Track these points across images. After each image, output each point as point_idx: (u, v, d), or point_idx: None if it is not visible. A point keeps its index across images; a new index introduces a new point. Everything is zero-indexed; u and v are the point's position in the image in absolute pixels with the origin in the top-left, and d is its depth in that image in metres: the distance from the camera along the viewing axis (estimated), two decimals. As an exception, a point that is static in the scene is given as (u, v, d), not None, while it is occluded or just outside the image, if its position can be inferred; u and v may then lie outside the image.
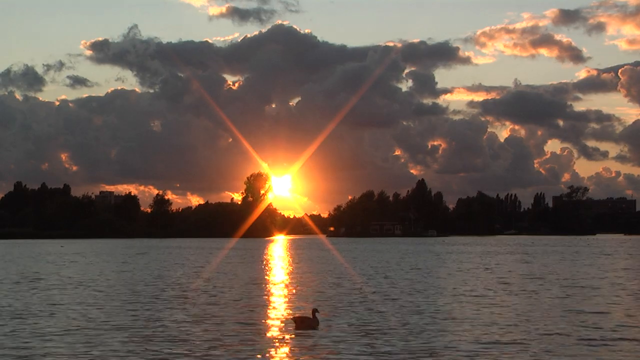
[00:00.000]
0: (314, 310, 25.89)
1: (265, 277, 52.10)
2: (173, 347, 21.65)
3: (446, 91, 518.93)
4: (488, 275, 52.12)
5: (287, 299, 35.64)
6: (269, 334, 24.44)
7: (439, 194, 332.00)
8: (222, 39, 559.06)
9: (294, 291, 39.92)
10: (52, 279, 48.93)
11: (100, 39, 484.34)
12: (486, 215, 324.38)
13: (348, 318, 27.83)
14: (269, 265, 69.42)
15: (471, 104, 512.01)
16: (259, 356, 20.62)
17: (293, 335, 23.88)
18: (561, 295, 37.09)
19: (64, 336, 23.61)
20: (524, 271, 57.24)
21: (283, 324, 26.47)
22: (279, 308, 31.84)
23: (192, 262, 75.02)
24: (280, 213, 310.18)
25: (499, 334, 23.92)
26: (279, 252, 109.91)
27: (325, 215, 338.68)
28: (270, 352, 21.13)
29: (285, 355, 20.84)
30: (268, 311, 30.70)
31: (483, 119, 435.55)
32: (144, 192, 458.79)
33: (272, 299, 35.95)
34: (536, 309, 30.88)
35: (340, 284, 44.33)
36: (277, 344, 22.45)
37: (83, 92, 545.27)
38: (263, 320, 27.84)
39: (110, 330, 24.99)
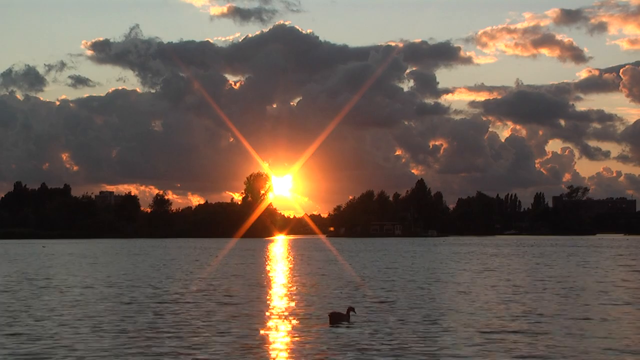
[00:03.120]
0: (350, 308, 26.75)
1: (273, 277, 51.88)
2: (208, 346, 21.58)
3: (447, 91, 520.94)
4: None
5: (303, 299, 35.37)
6: (306, 329, 24.98)
7: (438, 194, 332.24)
8: (223, 39, 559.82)
9: (306, 291, 39.62)
10: None
11: (101, 39, 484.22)
12: (486, 216, 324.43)
13: (372, 316, 28.00)
14: (273, 265, 69.15)
15: (473, 104, 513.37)
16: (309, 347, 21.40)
17: (328, 330, 24.80)
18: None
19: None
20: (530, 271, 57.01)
21: (319, 320, 27.09)
22: (299, 306, 31.78)
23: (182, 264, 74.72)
24: (281, 213, 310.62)
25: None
26: (279, 252, 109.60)
27: (325, 215, 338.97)
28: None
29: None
30: (291, 308, 30.64)
31: (484, 118, 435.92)
32: (145, 192, 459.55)
33: (286, 297, 35.76)
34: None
35: (351, 283, 44.12)
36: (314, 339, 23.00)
37: (84, 92, 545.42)
38: (294, 316, 28.32)
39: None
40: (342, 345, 22.00)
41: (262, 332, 24.78)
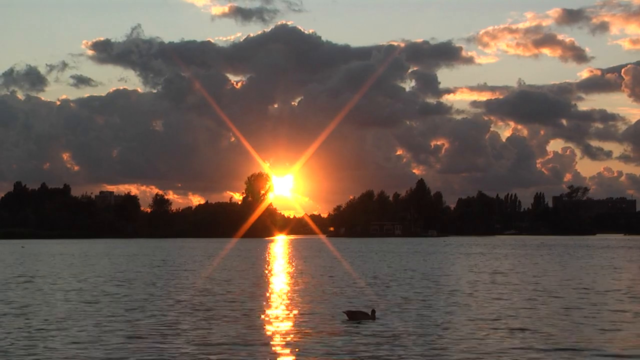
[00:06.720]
0: (373, 311, 27.07)
1: (276, 277, 51.75)
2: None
3: (449, 91, 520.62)
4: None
5: (313, 298, 35.19)
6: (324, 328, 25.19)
7: (438, 193, 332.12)
8: (224, 39, 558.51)
9: (315, 291, 39.44)
10: None
11: (102, 38, 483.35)
12: (486, 216, 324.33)
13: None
14: (275, 265, 69.01)
15: (474, 103, 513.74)
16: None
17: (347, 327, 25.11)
18: None
19: None
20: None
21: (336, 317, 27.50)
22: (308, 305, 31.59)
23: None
24: (281, 213, 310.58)
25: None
26: (281, 252, 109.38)
27: (325, 215, 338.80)
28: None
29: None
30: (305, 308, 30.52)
31: (486, 118, 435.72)
32: (146, 192, 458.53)
33: (296, 297, 35.58)
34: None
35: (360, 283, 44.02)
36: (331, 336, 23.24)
37: (86, 92, 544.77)
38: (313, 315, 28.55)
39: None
40: (362, 344, 21.91)
41: (279, 332, 24.67)
